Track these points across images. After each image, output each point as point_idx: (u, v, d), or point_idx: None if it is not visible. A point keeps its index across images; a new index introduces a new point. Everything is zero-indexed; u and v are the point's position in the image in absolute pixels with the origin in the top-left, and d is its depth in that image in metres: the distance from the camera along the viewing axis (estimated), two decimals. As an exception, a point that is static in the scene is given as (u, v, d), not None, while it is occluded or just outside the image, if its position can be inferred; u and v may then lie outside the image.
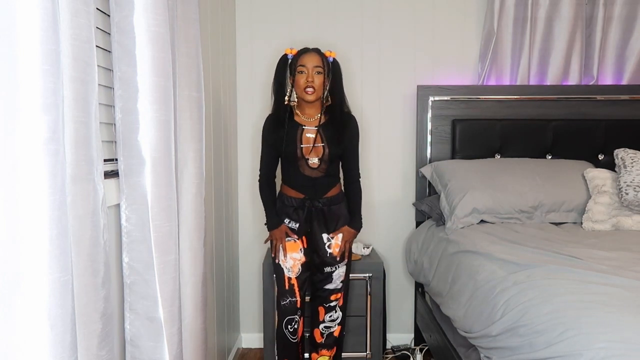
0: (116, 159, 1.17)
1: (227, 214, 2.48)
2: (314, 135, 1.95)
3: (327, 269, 2.07)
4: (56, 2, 0.75)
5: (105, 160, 1.18)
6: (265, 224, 2.07)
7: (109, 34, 1.15)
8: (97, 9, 1.12)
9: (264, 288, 2.38)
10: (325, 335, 2.15)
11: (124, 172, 1.13)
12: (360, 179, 2.10)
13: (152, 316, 1.16)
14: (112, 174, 1.21)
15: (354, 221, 2.07)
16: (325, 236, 2.04)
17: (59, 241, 0.74)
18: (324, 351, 2.17)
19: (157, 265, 1.15)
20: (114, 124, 1.14)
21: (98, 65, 1.03)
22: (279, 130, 1.95)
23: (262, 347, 2.51)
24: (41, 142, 0.72)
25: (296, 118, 1.99)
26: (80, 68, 0.89)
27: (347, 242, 2.07)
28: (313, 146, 1.94)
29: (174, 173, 1.25)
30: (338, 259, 2.06)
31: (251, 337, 2.83)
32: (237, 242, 2.76)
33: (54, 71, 0.74)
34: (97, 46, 1.10)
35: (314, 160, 1.95)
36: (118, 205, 1.18)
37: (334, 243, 2.05)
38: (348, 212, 2.08)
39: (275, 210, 2.04)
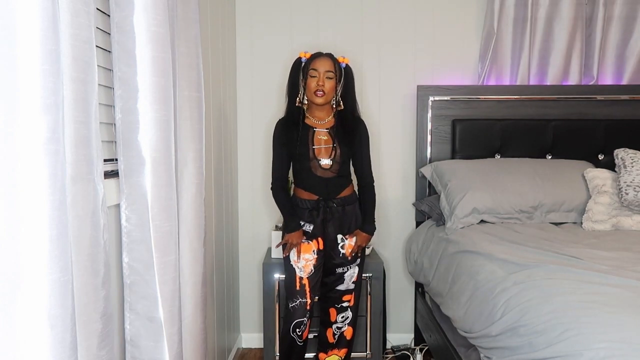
0: (116, 159, 1.17)
1: (227, 214, 2.48)
2: (325, 137, 1.99)
3: (339, 270, 2.09)
4: (56, 2, 0.75)
5: (105, 160, 1.18)
6: (284, 227, 2.05)
7: (109, 34, 1.15)
8: (97, 9, 1.12)
9: (264, 288, 2.38)
10: (337, 336, 2.17)
11: (124, 172, 1.13)
12: (374, 184, 2.11)
13: (152, 316, 1.16)
14: (112, 174, 1.21)
15: (367, 225, 2.08)
16: (340, 237, 2.06)
17: (59, 241, 0.74)
18: (334, 351, 2.18)
19: (157, 265, 1.15)
20: (114, 124, 1.14)
21: (98, 65, 1.03)
22: (293, 131, 1.99)
23: (262, 347, 2.51)
24: (41, 142, 0.72)
25: (307, 121, 2.02)
26: (80, 68, 0.89)
27: (360, 246, 2.08)
28: (325, 147, 1.98)
29: (174, 173, 1.25)
30: (350, 259, 2.07)
31: (251, 337, 2.83)
32: (237, 242, 2.76)
33: (54, 71, 0.74)
34: (97, 46, 1.10)
35: (326, 161, 1.98)
36: (118, 205, 1.18)
37: (347, 244, 2.06)
38: (360, 213, 2.09)
39: (294, 213, 2.03)
